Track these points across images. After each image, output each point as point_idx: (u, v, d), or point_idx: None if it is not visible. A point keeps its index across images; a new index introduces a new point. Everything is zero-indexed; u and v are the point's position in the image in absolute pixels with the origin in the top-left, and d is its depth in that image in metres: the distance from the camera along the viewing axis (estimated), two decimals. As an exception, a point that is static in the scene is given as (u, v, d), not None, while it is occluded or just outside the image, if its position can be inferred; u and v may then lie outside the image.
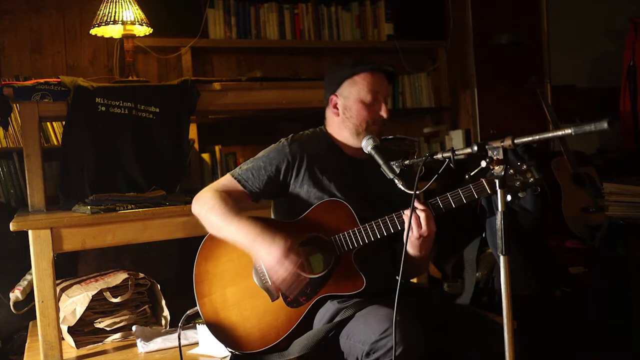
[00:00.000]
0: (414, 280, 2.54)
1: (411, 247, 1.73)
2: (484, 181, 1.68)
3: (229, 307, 1.80)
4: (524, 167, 1.64)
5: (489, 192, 1.66)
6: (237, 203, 1.81)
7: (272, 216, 2.02)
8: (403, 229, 1.70)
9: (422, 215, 1.67)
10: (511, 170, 1.63)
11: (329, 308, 1.73)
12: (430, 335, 1.68)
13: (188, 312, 1.89)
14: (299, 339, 1.70)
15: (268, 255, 1.66)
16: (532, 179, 1.63)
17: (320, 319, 1.74)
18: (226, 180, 1.86)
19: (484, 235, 2.73)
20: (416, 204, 1.68)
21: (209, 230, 1.81)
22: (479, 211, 2.78)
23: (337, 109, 1.88)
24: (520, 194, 1.63)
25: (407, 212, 1.68)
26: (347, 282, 1.73)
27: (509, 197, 1.55)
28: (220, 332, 1.79)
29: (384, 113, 1.85)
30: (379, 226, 1.73)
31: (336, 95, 1.89)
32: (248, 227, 1.71)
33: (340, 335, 1.66)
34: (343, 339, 1.65)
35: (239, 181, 1.84)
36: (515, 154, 2.85)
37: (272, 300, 1.75)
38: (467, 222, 2.93)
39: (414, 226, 1.67)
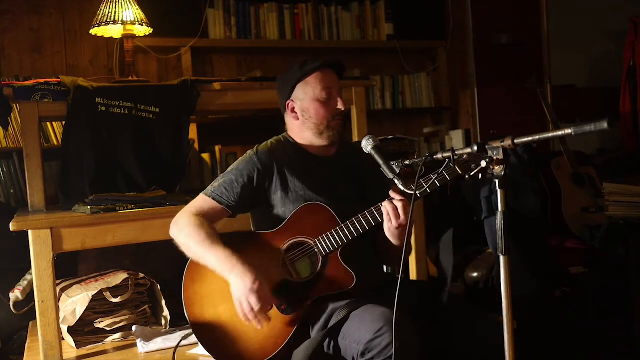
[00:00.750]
0: (414, 278, 2.54)
1: (392, 236, 1.75)
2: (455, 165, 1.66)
3: (224, 325, 1.79)
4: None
5: (460, 173, 1.61)
6: (214, 223, 1.82)
7: (252, 229, 2.02)
8: (383, 221, 1.73)
9: (399, 205, 1.69)
10: (465, 156, 1.58)
11: (323, 310, 1.73)
12: (427, 332, 1.68)
13: (181, 339, 1.94)
14: (298, 349, 1.70)
15: (236, 288, 1.69)
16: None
17: (316, 322, 1.73)
18: (201, 201, 1.87)
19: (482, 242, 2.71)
20: (393, 194, 1.71)
21: (188, 255, 1.83)
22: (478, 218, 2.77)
23: (296, 112, 1.90)
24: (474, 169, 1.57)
25: (385, 204, 1.71)
26: (338, 281, 1.74)
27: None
28: (220, 352, 1.78)
29: (341, 106, 1.88)
30: (360, 222, 1.75)
31: (292, 100, 1.91)
32: (224, 257, 1.72)
33: (337, 336, 1.66)
34: (340, 339, 1.66)
35: (213, 199, 1.85)
36: (515, 154, 2.85)
37: (266, 312, 1.74)
38: (466, 225, 2.93)
39: (392, 217, 1.69)
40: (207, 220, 1.81)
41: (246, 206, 1.90)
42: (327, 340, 1.68)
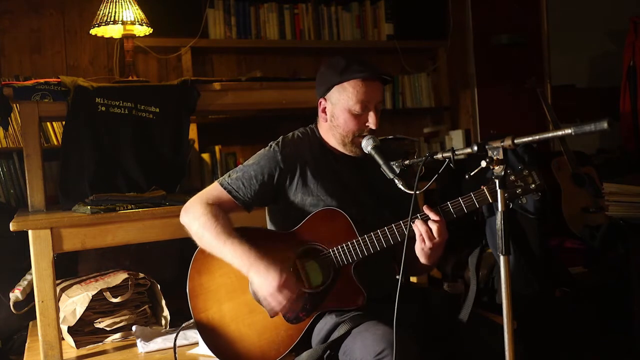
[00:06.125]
0: (414, 280, 2.54)
1: (423, 256, 1.67)
2: (485, 189, 1.65)
3: (227, 323, 1.76)
4: (525, 172, 1.62)
5: (490, 200, 1.63)
6: (229, 214, 1.76)
7: (267, 222, 1.97)
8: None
9: (434, 226, 1.61)
10: (512, 177, 1.62)
11: (327, 322, 1.70)
12: (429, 344, 1.67)
13: (183, 324, 1.87)
14: (298, 358, 1.68)
15: (262, 286, 1.63)
16: (533, 185, 1.61)
17: (318, 333, 1.71)
18: (215, 190, 1.79)
19: (484, 242, 2.72)
20: (429, 213, 1.63)
21: (200, 245, 1.76)
22: (478, 218, 2.77)
23: (326, 113, 1.81)
24: (522, 200, 1.62)
25: (418, 224, 1.63)
26: (348, 297, 1.70)
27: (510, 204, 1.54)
28: (220, 350, 1.76)
29: (372, 125, 1.75)
30: (379, 239, 1.69)
31: (325, 99, 1.81)
32: (242, 252, 1.66)
33: (338, 350, 1.64)
34: (340, 354, 1.63)
35: (229, 192, 1.78)
36: (516, 154, 2.85)
37: (271, 316, 1.72)
38: (466, 225, 2.93)
39: (426, 238, 1.61)
40: (222, 211, 1.75)
41: (262, 203, 1.84)
42: (327, 353, 1.65)
